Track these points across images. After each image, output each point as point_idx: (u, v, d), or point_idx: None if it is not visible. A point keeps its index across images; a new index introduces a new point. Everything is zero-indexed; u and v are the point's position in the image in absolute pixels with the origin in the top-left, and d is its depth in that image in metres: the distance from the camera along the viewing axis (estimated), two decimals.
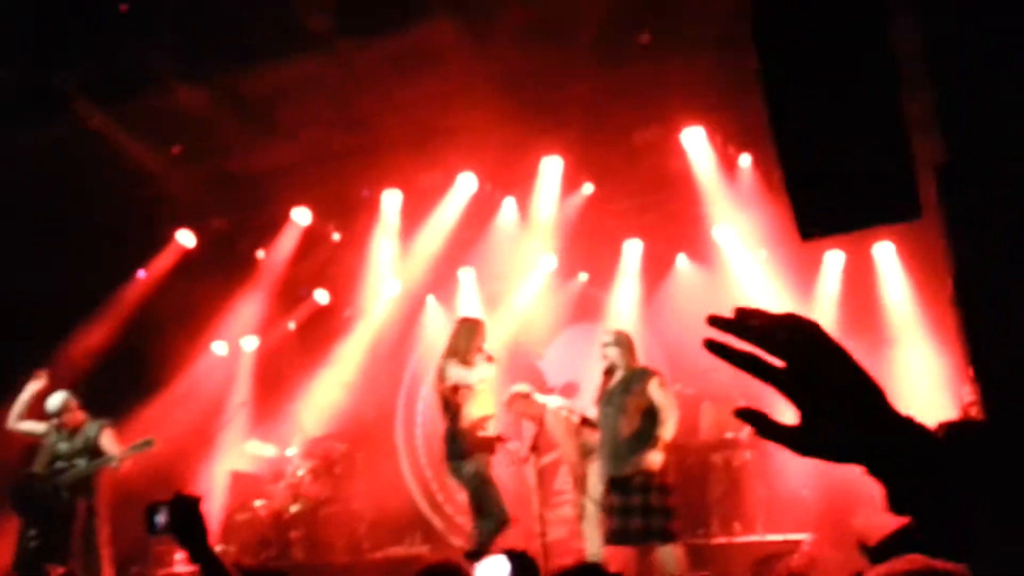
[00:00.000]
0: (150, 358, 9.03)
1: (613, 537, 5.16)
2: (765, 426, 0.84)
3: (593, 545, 5.73)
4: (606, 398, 5.41)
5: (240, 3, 5.93)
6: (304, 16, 5.86)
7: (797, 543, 6.58)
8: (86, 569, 5.58)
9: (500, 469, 6.81)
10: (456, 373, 5.52)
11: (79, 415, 6.00)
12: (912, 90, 3.24)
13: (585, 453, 6.18)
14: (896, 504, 0.80)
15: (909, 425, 0.81)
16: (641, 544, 5.10)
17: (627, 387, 5.32)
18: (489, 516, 5.31)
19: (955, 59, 3.15)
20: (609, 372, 5.46)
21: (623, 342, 5.48)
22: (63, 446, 5.82)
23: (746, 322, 0.86)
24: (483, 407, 5.50)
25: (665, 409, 5.18)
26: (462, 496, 8.65)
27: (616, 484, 5.22)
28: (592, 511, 5.90)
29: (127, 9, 5.58)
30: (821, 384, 0.82)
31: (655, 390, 5.24)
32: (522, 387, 6.80)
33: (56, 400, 5.98)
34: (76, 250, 8.25)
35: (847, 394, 0.81)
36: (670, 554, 5.08)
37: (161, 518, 2.04)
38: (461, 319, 6.08)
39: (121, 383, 8.15)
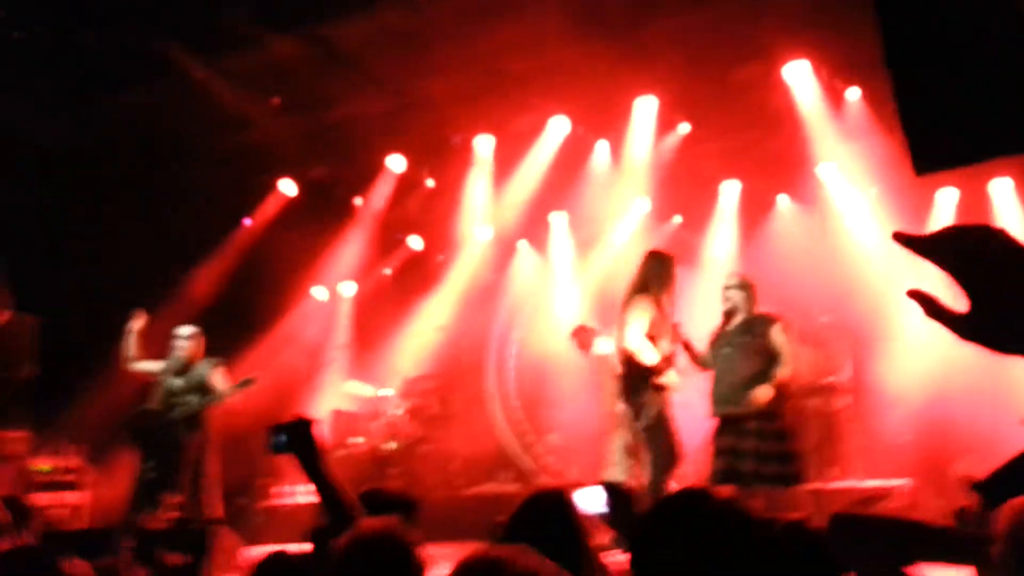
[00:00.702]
0: (255, 302, 9.41)
1: (722, 477, 5.08)
2: (933, 308, 0.89)
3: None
4: (724, 339, 5.28)
5: None
6: None
7: (895, 488, 6.43)
8: (196, 499, 5.92)
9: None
10: (634, 332, 5.19)
11: (200, 351, 6.31)
12: None
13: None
14: None
15: None
16: (750, 487, 5.03)
17: (748, 330, 5.20)
18: (660, 463, 5.14)
19: None
20: (729, 315, 5.31)
21: (746, 286, 5.34)
22: (176, 382, 6.13)
23: (932, 234, 0.92)
24: (664, 348, 5.28)
25: (785, 354, 5.08)
26: (554, 437, 8.81)
27: (728, 424, 5.12)
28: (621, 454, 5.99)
29: None
30: (1002, 277, 0.86)
31: (777, 335, 5.12)
32: (588, 322, 7.33)
33: (187, 329, 6.33)
34: (185, 200, 8.61)
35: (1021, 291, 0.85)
36: (787, 497, 5.04)
37: (282, 438, 2.15)
38: (651, 252, 5.55)
39: (228, 326, 8.53)
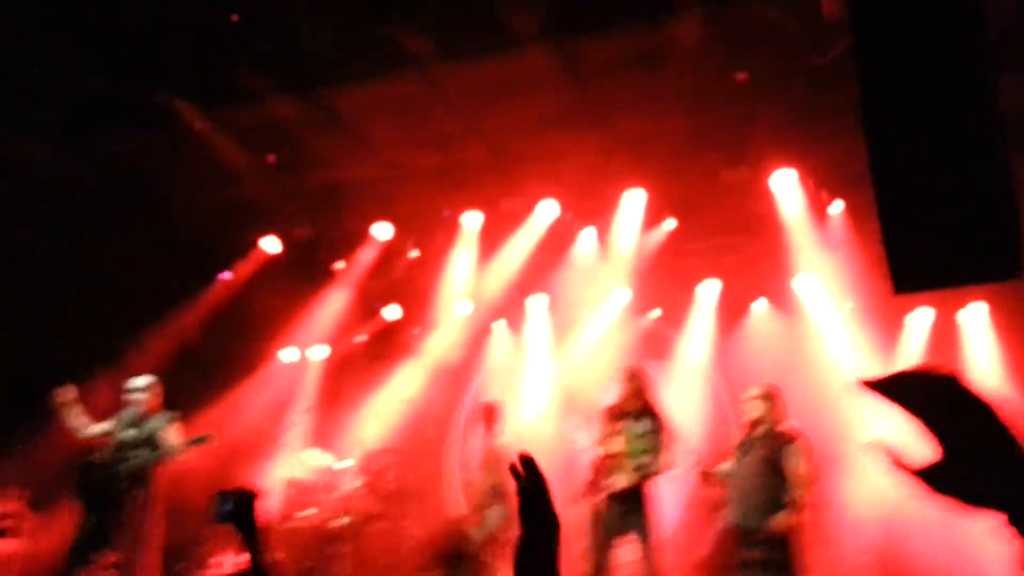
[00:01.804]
0: (225, 358, 9.26)
1: None
2: (900, 461, 0.85)
3: None
4: (745, 448, 5.34)
5: (339, 22, 6.07)
6: (403, 38, 5.97)
7: None
8: (133, 561, 5.61)
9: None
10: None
11: (156, 402, 6.07)
12: (1021, 150, 3.12)
13: (490, 496, 6.44)
14: None
15: None
16: None
17: (768, 445, 5.23)
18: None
19: None
20: (753, 425, 5.37)
21: (770, 396, 5.40)
22: (130, 434, 5.86)
23: (899, 377, 0.85)
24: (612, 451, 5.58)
25: (802, 476, 5.08)
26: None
27: (748, 537, 5.13)
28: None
29: (237, 19, 5.78)
30: (971, 429, 0.80)
31: (794, 456, 5.14)
32: (495, 400, 7.20)
33: (144, 379, 6.08)
34: (167, 249, 8.56)
35: (996, 443, 0.80)
36: None
37: (228, 506, 2.08)
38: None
39: (195, 380, 8.37)
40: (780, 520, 4.95)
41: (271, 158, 7.80)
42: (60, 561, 5.61)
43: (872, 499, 7.24)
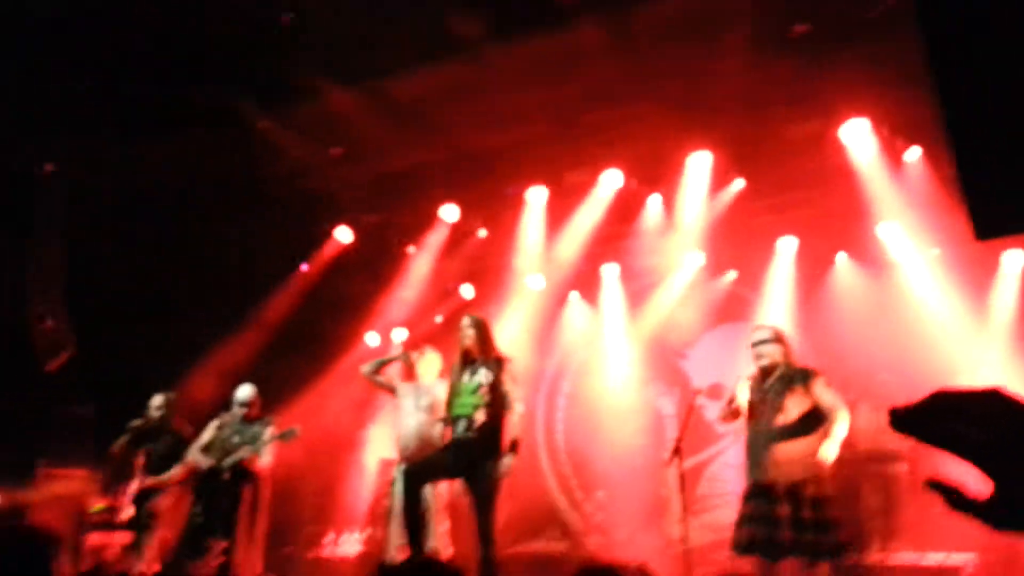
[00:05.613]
0: (310, 348, 9.54)
1: (755, 547, 4.73)
2: (958, 500, 0.79)
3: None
4: (760, 396, 4.94)
5: (390, 12, 6.12)
6: (455, 23, 5.99)
7: (958, 568, 6.11)
8: (243, 546, 5.96)
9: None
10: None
11: (257, 411, 6.44)
12: None
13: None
14: None
15: None
16: (785, 558, 4.67)
17: (788, 386, 4.83)
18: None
19: None
20: (766, 372, 4.95)
21: (782, 339, 5.07)
22: (234, 439, 6.24)
23: (934, 406, 0.80)
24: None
25: (836, 409, 4.67)
26: (602, 493, 8.64)
27: (761, 490, 4.72)
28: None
29: (288, 21, 5.90)
30: (1020, 453, 0.75)
31: (822, 390, 4.76)
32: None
33: (247, 391, 6.43)
34: (244, 246, 8.84)
35: None
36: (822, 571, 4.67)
37: None
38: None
39: (282, 373, 8.65)
40: (825, 452, 4.51)
41: (336, 151, 7.95)
42: (172, 549, 5.97)
43: None
